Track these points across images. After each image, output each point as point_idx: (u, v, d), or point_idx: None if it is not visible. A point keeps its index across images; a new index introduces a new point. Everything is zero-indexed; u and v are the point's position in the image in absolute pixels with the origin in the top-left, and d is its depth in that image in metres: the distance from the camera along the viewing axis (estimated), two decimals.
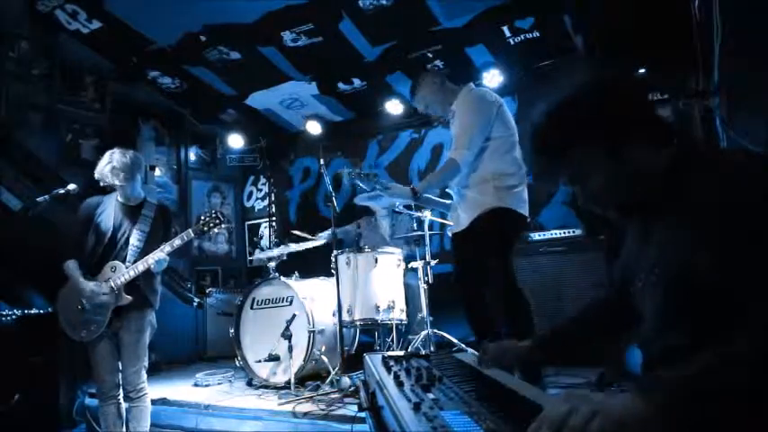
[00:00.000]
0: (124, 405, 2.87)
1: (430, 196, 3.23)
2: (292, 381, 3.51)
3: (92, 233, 2.93)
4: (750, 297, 0.92)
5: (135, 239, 2.91)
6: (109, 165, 2.92)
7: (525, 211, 2.87)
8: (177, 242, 2.90)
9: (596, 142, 1.12)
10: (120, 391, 2.86)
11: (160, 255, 2.84)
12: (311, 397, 3.25)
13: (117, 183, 2.93)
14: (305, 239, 4.42)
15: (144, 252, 2.89)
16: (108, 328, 2.82)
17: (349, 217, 5.11)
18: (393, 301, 3.70)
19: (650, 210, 1.15)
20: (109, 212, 2.98)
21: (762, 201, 0.95)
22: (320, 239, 4.33)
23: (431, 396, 1.04)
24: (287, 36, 5.04)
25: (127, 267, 2.84)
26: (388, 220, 4.87)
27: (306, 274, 4.24)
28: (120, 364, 2.87)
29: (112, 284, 2.81)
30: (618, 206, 1.21)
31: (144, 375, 2.89)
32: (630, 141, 1.11)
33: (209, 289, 6.15)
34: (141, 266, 2.84)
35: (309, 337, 3.64)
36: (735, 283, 0.94)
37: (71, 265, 2.86)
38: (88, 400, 3.74)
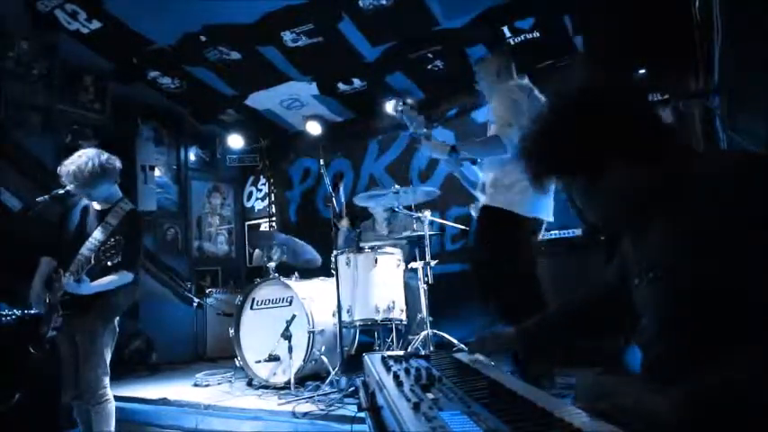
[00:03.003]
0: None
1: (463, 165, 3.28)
2: (292, 381, 3.51)
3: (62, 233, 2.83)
4: (756, 300, 0.92)
5: (85, 248, 2.69)
6: (71, 165, 2.74)
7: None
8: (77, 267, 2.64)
9: (577, 173, 1.14)
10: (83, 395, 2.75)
11: (66, 280, 2.57)
12: (311, 397, 3.24)
13: (68, 186, 2.75)
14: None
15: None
16: (66, 329, 2.72)
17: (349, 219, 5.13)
18: (393, 302, 3.70)
19: (643, 215, 1.15)
20: (76, 215, 2.84)
21: (757, 200, 0.95)
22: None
23: (430, 396, 1.04)
24: (287, 36, 5.04)
25: (64, 278, 2.59)
26: (385, 222, 4.87)
27: (305, 274, 4.24)
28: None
29: (47, 298, 2.68)
30: (607, 222, 1.22)
31: (104, 382, 2.73)
32: (611, 167, 1.11)
33: (209, 289, 6.16)
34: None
35: (309, 338, 3.64)
36: (737, 286, 0.94)
37: (41, 263, 2.78)
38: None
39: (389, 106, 3.17)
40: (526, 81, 3.21)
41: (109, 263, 2.59)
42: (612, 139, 1.10)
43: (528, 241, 3.06)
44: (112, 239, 2.60)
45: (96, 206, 2.87)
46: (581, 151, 1.11)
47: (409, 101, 3.23)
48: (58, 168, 2.79)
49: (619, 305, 1.32)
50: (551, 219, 3.11)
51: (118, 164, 2.86)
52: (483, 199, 3.09)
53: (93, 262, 2.60)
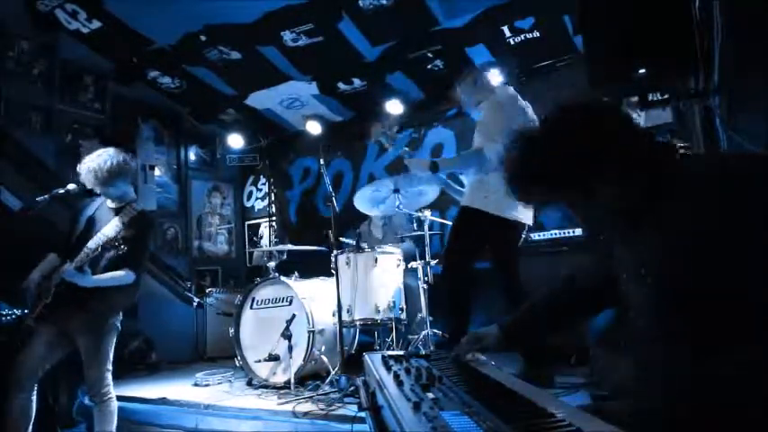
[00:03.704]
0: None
1: (444, 178, 3.48)
2: (292, 381, 3.51)
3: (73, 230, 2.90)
4: (756, 300, 0.92)
5: (92, 242, 2.73)
6: (91, 163, 2.80)
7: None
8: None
9: (568, 189, 1.14)
10: (32, 389, 2.74)
11: (66, 267, 2.65)
12: (311, 397, 3.24)
13: (87, 184, 2.83)
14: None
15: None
16: (58, 325, 2.74)
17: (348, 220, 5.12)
18: (393, 301, 3.71)
19: (641, 218, 1.15)
20: (88, 212, 2.91)
21: (757, 200, 0.95)
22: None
23: (430, 396, 1.04)
24: (287, 36, 5.04)
25: (66, 265, 2.67)
26: (381, 224, 4.87)
27: (306, 274, 4.24)
28: (46, 364, 2.77)
29: (39, 286, 2.74)
30: (606, 232, 1.23)
31: (108, 379, 2.78)
32: (601, 181, 1.11)
33: (209, 289, 6.14)
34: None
35: (309, 337, 3.64)
36: (737, 286, 0.94)
37: (46, 258, 2.85)
38: (88, 400, 3.74)
39: (376, 134, 3.45)
40: (512, 90, 3.34)
41: (112, 252, 2.71)
42: (605, 152, 1.10)
43: (505, 239, 3.17)
44: (120, 234, 2.72)
45: (110, 204, 2.93)
46: (575, 168, 1.11)
47: (394, 128, 3.55)
48: (78, 166, 2.87)
49: (600, 298, 1.33)
50: (530, 222, 3.23)
51: (134, 164, 2.99)
52: (462, 200, 3.25)
53: (97, 251, 2.69)
